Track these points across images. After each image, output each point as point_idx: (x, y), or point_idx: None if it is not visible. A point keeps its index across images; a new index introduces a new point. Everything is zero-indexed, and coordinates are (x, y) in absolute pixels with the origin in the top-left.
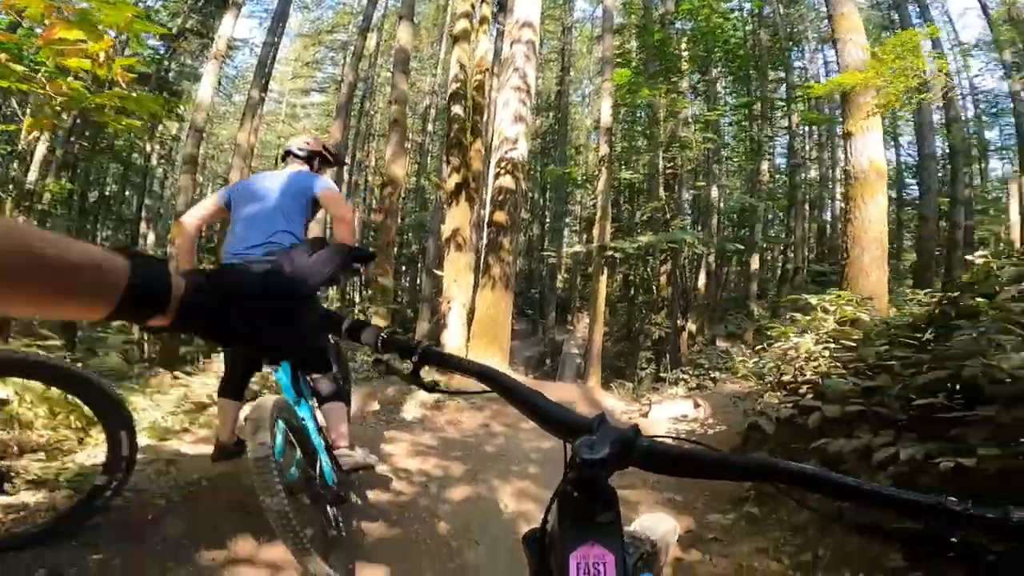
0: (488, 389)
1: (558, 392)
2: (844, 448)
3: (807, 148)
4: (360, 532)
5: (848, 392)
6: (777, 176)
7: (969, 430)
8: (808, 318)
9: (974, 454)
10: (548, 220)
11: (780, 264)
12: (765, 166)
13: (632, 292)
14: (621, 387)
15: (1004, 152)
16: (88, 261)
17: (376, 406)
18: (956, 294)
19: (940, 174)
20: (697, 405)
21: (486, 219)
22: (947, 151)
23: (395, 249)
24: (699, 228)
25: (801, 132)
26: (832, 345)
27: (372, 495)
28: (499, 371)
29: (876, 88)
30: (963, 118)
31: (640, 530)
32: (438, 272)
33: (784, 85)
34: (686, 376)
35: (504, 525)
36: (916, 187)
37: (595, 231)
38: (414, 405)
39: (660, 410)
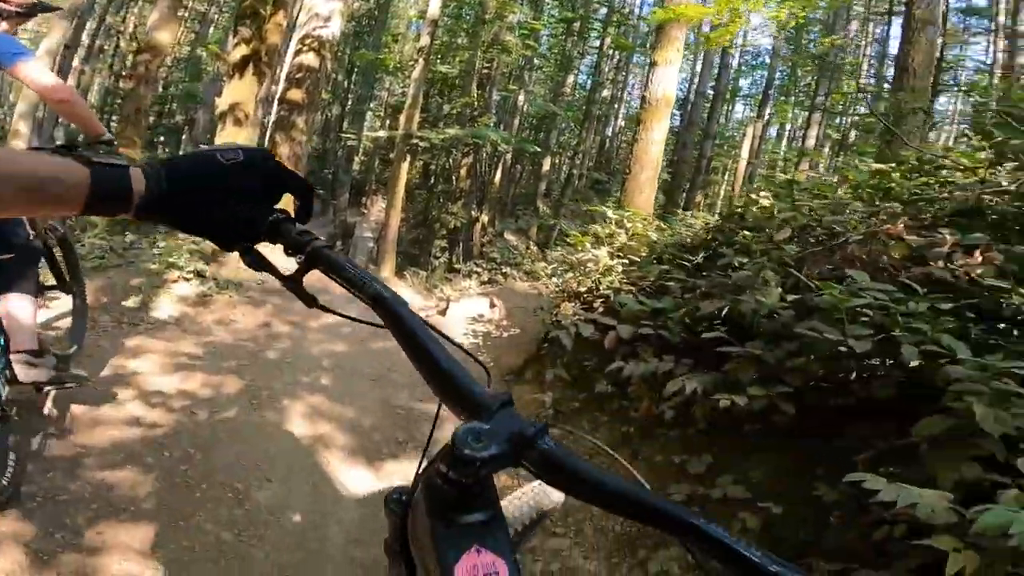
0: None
1: None
2: (634, 372)
3: (607, 70)
4: (88, 482)
5: (638, 313)
6: (578, 91)
7: (740, 365)
8: (606, 231)
9: (745, 391)
10: (351, 103)
11: (567, 169)
12: (571, 80)
13: (432, 181)
14: (415, 275)
15: (748, 99)
16: (50, 175)
17: (114, 302)
18: (729, 226)
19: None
20: (493, 305)
21: (278, 96)
22: (711, 92)
23: (150, 119)
24: (502, 127)
25: (609, 55)
26: (623, 261)
27: (112, 430)
28: (401, 301)
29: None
30: (731, 65)
31: (512, 509)
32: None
33: (607, 8)
34: (479, 269)
35: (299, 455)
36: (679, 118)
37: (402, 118)
38: (169, 301)
39: (458, 308)
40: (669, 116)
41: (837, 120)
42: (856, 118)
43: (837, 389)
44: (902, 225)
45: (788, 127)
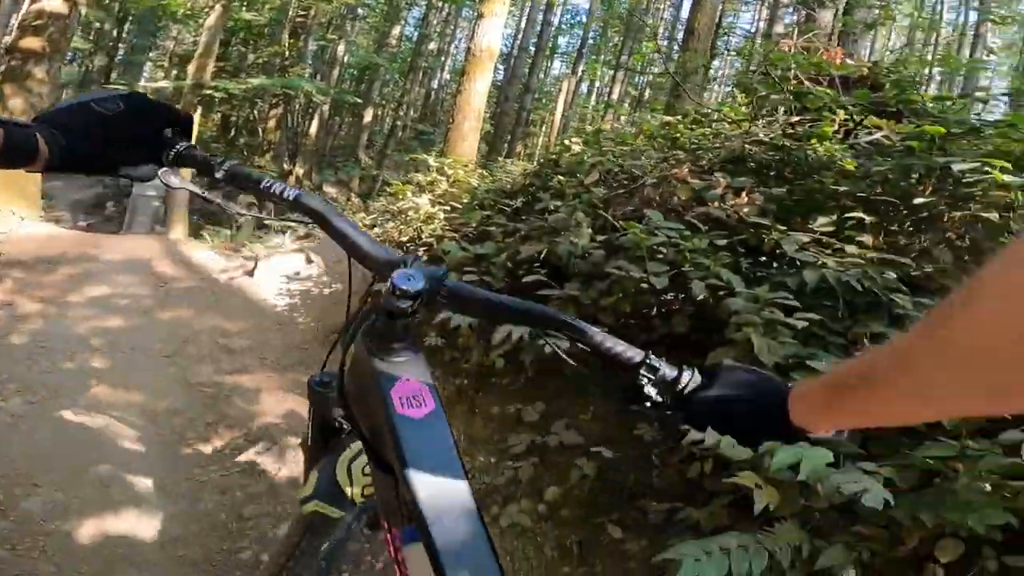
0: (306, 220)
1: (128, 246)
2: (461, 322)
3: (436, 23)
4: None
5: (462, 259)
6: (405, 42)
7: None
8: (428, 179)
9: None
10: (125, 52)
11: (391, 120)
12: (397, 31)
13: (233, 133)
14: (216, 235)
15: (565, 56)
16: None
17: None
18: (546, 172)
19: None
20: (310, 260)
21: (7, 45)
22: (533, 48)
23: None
24: (319, 78)
25: (438, 7)
26: (445, 208)
27: None
28: (316, 199)
29: None
30: (552, 23)
31: None
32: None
33: None
34: (293, 223)
35: (74, 454)
36: (503, 72)
37: (191, 67)
38: None
39: (268, 267)
40: (492, 68)
41: (636, 79)
42: (651, 77)
43: (643, 325)
44: (686, 170)
45: (597, 84)
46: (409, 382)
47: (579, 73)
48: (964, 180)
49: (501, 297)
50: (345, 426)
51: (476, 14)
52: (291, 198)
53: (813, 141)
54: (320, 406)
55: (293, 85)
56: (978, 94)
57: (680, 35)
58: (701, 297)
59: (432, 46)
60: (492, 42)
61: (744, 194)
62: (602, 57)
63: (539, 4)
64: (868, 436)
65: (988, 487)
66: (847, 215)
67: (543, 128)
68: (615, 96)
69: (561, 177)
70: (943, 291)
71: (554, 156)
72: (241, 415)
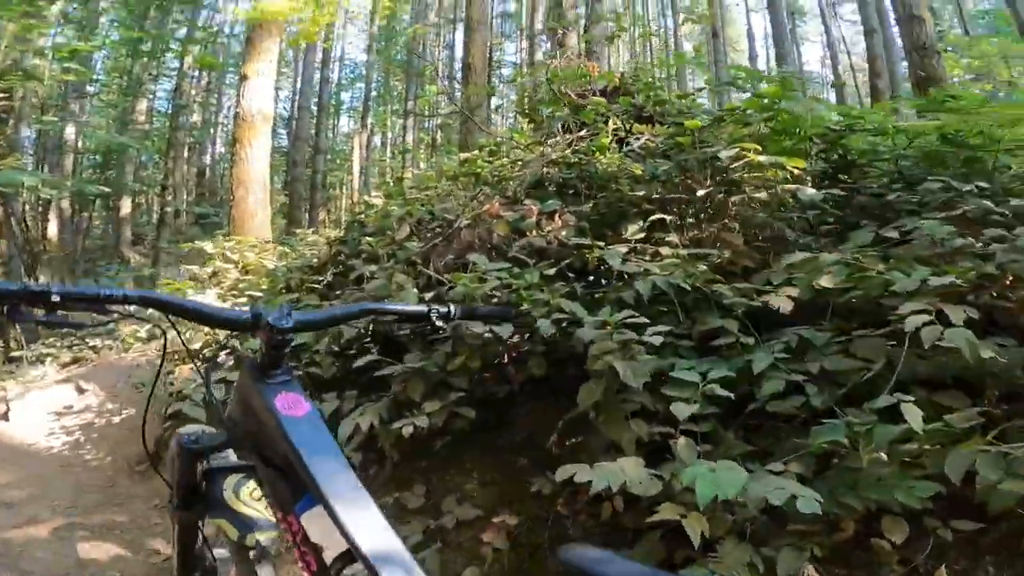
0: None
1: None
2: None
3: (194, 93)
4: None
5: None
6: (156, 117)
7: (407, 383)
8: (209, 271)
9: (423, 411)
10: None
11: (159, 207)
12: (144, 105)
13: None
14: None
15: (351, 111)
16: None
17: None
18: (352, 236)
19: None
20: (82, 390)
21: None
22: (316, 107)
23: None
24: (46, 169)
25: (193, 75)
26: (241, 299)
27: None
28: (159, 292)
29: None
30: (331, 79)
31: None
32: None
33: (187, 29)
34: (54, 350)
35: None
36: (286, 136)
37: None
38: None
39: (26, 405)
40: (269, 133)
41: (427, 123)
42: (439, 120)
43: (498, 377)
44: (497, 204)
45: (390, 134)
46: (289, 394)
47: (369, 126)
48: (731, 167)
49: (334, 309)
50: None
51: (240, 76)
52: (137, 297)
53: (596, 154)
54: (188, 462)
55: (11, 181)
56: (700, 87)
57: (459, 72)
58: (550, 334)
59: (196, 118)
60: (263, 105)
61: (556, 217)
62: (389, 107)
63: (313, 62)
64: (749, 428)
65: (884, 456)
66: (649, 219)
67: (343, 189)
68: (409, 143)
69: (370, 238)
70: (749, 273)
71: (359, 217)
72: (51, 567)
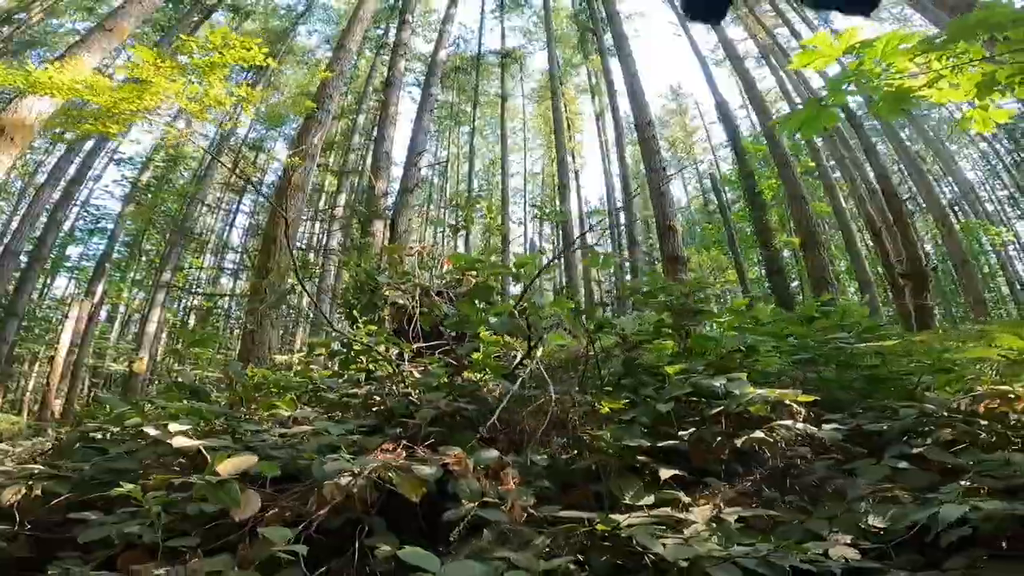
0: None
1: None
2: None
3: None
4: None
5: None
6: None
7: None
8: None
9: None
10: None
11: None
12: None
13: None
14: None
15: (77, 271)
16: None
17: None
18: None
19: None
20: None
21: None
22: (26, 258)
23: None
24: None
25: None
26: None
27: None
28: None
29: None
30: (62, 224)
31: None
32: None
33: None
34: None
35: None
36: None
37: None
38: None
39: None
40: None
41: (176, 304)
42: (199, 300)
43: None
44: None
45: (123, 308)
46: None
47: (98, 293)
48: None
49: None
50: None
51: None
52: None
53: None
54: None
55: None
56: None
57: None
58: None
59: None
60: None
61: (501, 474)
62: (132, 274)
63: (46, 199)
64: None
65: None
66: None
67: (36, 367)
68: (151, 326)
69: (130, 484)
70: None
71: (88, 426)
72: None
